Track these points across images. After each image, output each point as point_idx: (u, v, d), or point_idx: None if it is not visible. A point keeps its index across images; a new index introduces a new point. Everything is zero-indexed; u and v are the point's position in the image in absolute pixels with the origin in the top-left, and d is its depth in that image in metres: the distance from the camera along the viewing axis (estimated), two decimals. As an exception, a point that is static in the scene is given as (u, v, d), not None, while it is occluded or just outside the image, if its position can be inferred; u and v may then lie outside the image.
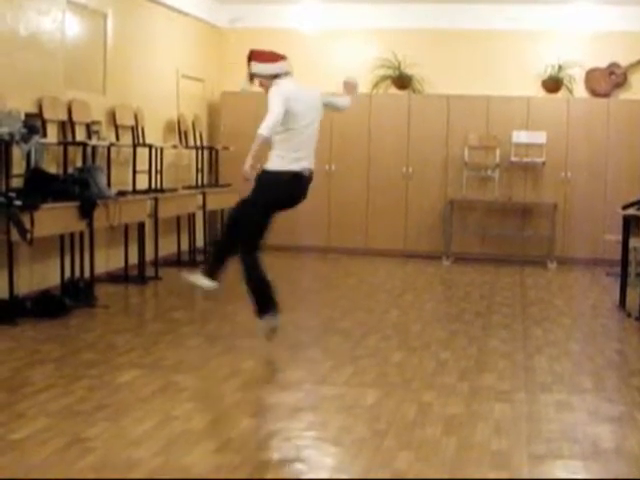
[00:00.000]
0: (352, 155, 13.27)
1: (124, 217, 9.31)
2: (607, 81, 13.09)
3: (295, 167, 6.86)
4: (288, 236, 12.29)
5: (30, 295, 8.36)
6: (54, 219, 8.13)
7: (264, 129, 6.57)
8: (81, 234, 8.93)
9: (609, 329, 8.40)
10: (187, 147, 12.45)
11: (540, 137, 12.75)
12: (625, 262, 9.37)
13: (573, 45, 13.10)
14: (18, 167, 8.30)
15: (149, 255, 10.51)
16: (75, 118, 9.44)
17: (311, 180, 7.02)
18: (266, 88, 6.95)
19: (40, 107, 8.86)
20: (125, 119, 10.62)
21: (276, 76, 6.97)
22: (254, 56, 7.10)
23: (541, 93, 13.27)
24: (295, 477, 4.32)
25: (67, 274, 8.95)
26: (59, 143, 9.11)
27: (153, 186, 10.93)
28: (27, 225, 7.54)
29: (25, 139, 7.92)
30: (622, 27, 12.79)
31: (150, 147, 10.87)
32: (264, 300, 6.93)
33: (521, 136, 12.82)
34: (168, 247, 11.58)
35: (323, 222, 13.32)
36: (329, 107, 7.34)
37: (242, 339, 7.37)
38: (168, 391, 5.74)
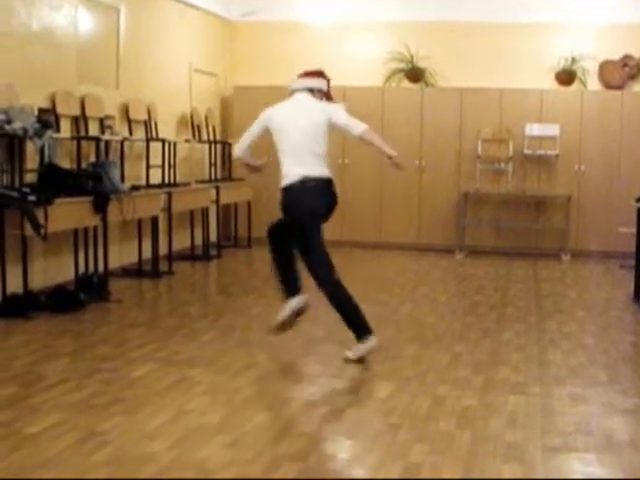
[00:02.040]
0: (365, 148, 13.18)
1: (138, 212, 9.32)
2: (621, 73, 13.04)
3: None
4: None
5: (44, 290, 8.38)
6: (68, 214, 8.15)
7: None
8: (95, 229, 8.95)
9: (623, 322, 8.37)
10: (200, 141, 12.45)
11: (553, 130, 12.72)
12: (639, 254, 9.33)
13: (586, 37, 13.04)
14: (32, 162, 8.32)
15: (162, 249, 10.53)
16: (88, 113, 9.46)
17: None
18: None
19: (53, 102, 8.88)
20: (138, 114, 10.64)
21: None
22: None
23: (554, 86, 13.22)
24: (308, 470, 4.32)
25: (81, 269, 8.98)
26: (72, 138, 9.13)
27: (166, 180, 10.94)
28: (41, 220, 7.56)
29: (39, 134, 7.94)
30: (636, 19, 12.72)
31: (163, 141, 10.88)
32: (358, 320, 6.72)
33: (534, 129, 12.79)
34: (182, 241, 11.59)
35: (336, 216, 13.02)
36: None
37: (256, 333, 7.37)
38: (182, 385, 5.75)
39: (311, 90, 6.84)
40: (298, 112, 6.75)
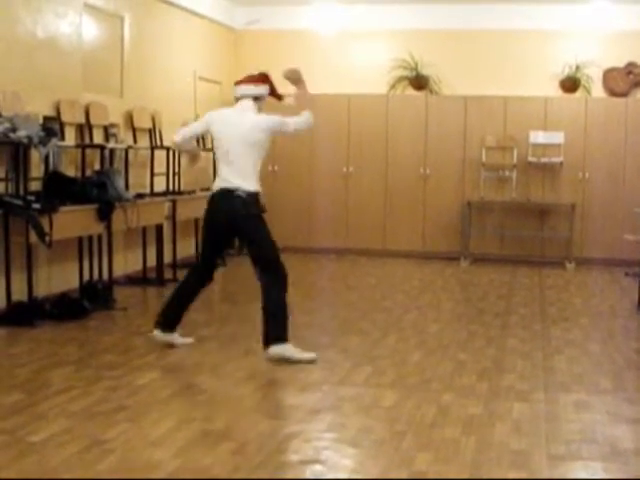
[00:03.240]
0: (369, 156, 13.26)
1: (142, 219, 9.33)
2: (625, 81, 13.04)
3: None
4: (306, 238, 12.31)
5: (49, 297, 8.39)
6: (72, 222, 8.16)
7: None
8: (99, 237, 8.97)
9: (628, 329, 8.36)
10: (204, 149, 12.45)
11: (558, 137, 12.72)
12: (644, 262, 9.33)
13: (591, 45, 13.05)
14: (36, 170, 8.33)
15: (167, 257, 10.54)
16: (93, 121, 9.47)
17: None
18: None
19: (58, 110, 8.90)
20: (142, 122, 10.65)
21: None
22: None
23: (559, 93, 13.23)
24: (314, 478, 4.31)
25: (86, 276, 8.99)
26: (77, 146, 9.14)
27: (171, 188, 10.95)
28: (46, 228, 7.57)
29: (43, 142, 7.94)
30: (640, 26, 12.75)
31: (168, 149, 10.89)
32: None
33: (539, 136, 12.79)
34: (186, 249, 11.60)
35: (341, 223, 13.32)
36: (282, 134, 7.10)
37: (260, 341, 7.36)
38: (187, 393, 5.75)
39: (256, 98, 6.89)
40: (236, 123, 6.81)
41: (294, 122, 6.92)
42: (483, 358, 6.89)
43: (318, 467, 4.43)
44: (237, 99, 6.95)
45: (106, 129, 9.74)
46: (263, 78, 6.98)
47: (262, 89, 6.92)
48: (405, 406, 5.52)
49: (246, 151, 6.77)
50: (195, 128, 7.10)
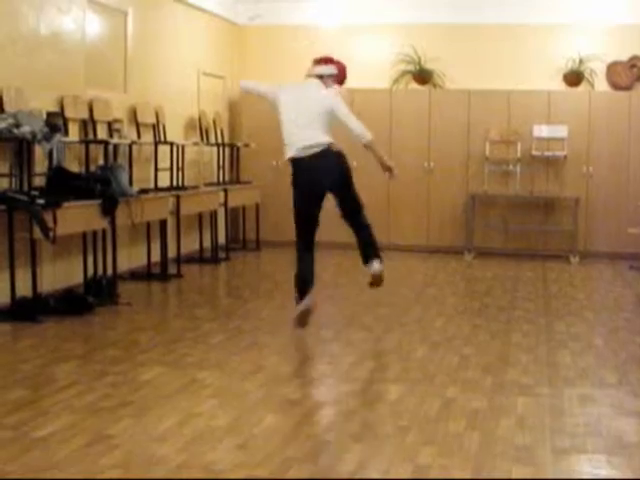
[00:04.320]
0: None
1: (146, 215, 9.33)
2: (628, 74, 13.02)
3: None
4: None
5: (53, 293, 8.40)
6: (76, 217, 8.17)
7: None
8: (103, 232, 8.96)
9: (633, 323, 8.34)
10: (208, 144, 12.47)
11: (561, 131, 12.70)
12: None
13: (594, 38, 13.03)
14: (40, 166, 8.33)
15: (171, 252, 10.54)
16: (96, 116, 9.48)
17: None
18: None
19: (61, 106, 8.90)
20: (146, 117, 10.65)
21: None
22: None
23: (562, 87, 13.21)
24: (318, 473, 4.32)
25: (90, 272, 8.99)
26: (81, 141, 9.14)
27: (175, 183, 10.96)
28: (50, 223, 7.57)
29: (47, 138, 7.95)
30: (643, 20, 12.73)
31: (171, 145, 10.90)
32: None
33: (542, 130, 12.78)
34: (190, 244, 11.61)
35: (345, 218, 13.28)
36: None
37: (265, 335, 7.38)
38: (191, 388, 5.76)
39: (321, 76, 7.54)
40: (302, 95, 7.48)
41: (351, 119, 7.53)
42: (487, 352, 6.90)
43: (322, 462, 4.44)
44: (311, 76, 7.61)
45: (110, 125, 9.74)
46: (329, 59, 7.76)
47: (330, 69, 7.66)
48: (409, 400, 5.52)
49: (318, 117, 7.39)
50: (261, 89, 7.85)
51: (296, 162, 7.36)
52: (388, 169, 7.76)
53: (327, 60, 7.71)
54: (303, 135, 7.31)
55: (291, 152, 7.35)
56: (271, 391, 5.78)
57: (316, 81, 7.54)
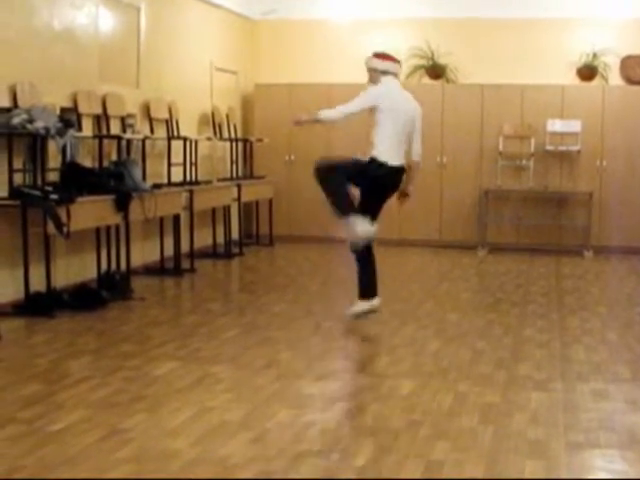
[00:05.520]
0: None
1: (159, 210, 9.34)
2: (643, 68, 12.98)
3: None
4: (322, 227, 12.28)
5: (67, 288, 8.42)
6: (90, 212, 8.18)
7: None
8: (117, 227, 8.99)
9: (646, 318, 8.34)
10: (221, 139, 12.47)
11: (575, 125, 12.67)
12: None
13: (608, 32, 12.99)
14: (54, 161, 8.35)
15: (184, 247, 10.55)
16: (110, 112, 9.49)
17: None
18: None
19: (75, 101, 8.92)
20: (159, 112, 10.66)
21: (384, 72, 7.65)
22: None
23: (576, 81, 13.17)
24: (330, 468, 4.32)
25: (103, 267, 9.02)
26: (94, 137, 9.16)
27: (188, 178, 10.96)
28: (63, 219, 7.59)
29: (60, 133, 7.97)
30: (658, 14, 12.68)
31: (184, 140, 10.91)
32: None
33: (556, 125, 12.74)
34: (203, 239, 11.62)
35: (357, 213, 13.27)
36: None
37: (278, 330, 7.39)
38: (205, 382, 5.77)
39: (395, 74, 7.74)
40: (400, 108, 7.55)
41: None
42: (500, 347, 6.89)
43: (336, 456, 4.44)
44: (383, 72, 7.66)
45: (123, 120, 9.76)
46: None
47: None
48: (422, 395, 5.53)
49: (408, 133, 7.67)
50: (354, 109, 7.41)
51: (381, 164, 7.46)
52: (406, 195, 8.05)
53: (392, 57, 7.91)
54: (399, 152, 7.57)
55: (382, 158, 7.44)
56: (284, 385, 5.79)
57: (398, 83, 7.73)
